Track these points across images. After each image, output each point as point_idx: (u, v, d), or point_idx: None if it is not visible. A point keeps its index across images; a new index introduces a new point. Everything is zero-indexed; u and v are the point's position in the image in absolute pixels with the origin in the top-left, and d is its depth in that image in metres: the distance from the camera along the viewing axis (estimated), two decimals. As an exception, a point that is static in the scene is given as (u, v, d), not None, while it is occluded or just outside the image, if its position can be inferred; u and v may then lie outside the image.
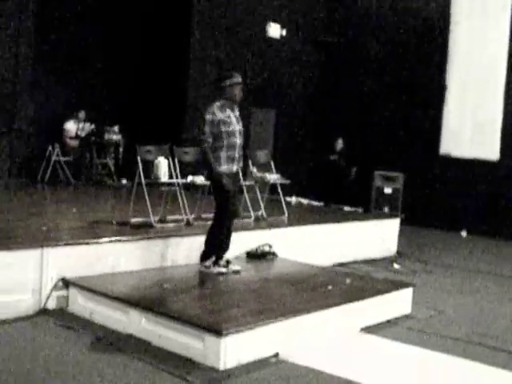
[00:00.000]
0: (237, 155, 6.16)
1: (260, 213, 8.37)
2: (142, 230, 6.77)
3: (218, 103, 6.11)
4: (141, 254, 6.31)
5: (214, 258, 6.26)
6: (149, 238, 6.50)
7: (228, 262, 6.40)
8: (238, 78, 6.13)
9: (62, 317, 5.33)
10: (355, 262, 8.90)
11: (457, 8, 13.24)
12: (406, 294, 6.49)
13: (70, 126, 11.98)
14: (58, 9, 12.11)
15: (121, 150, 12.41)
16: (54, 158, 11.78)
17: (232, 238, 6.45)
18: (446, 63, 13.36)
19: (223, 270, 6.26)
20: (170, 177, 7.43)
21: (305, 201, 11.53)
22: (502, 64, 12.71)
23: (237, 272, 6.37)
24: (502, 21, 12.69)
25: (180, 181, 7.45)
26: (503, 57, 12.69)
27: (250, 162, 8.44)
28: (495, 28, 12.79)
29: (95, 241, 6.03)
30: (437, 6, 13.51)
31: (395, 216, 10.34)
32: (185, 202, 7.40)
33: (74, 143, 11.95)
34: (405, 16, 13.91)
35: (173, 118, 12.83)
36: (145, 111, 12.88)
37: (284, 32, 13.77)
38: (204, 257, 6.27)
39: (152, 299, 5.22)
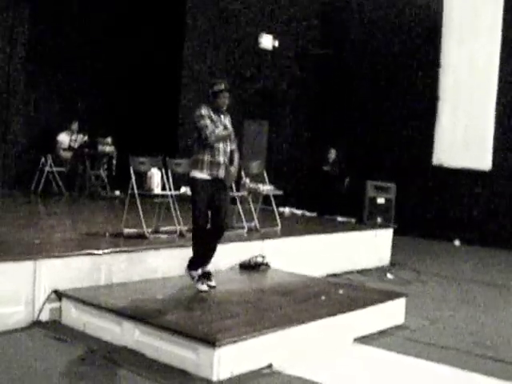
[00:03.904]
0: (221, 160, 5.91)
1: (253, 224, 8.38)
2: (135, 242, 6.76)
3: (205, 106, 5.97)
4: (134, 266, 6.30)
5: (199, 272, 6.02)
6: (142, 250, 6.50)
7: (206, 274, 6.09)
8: (222, 85, 5.94)
9: (55, 329, 5.32)
10: (348, 273, 8.92)
11: (448, 20, 13.33)
12: (400, 304, 6.51)
13: (63, 138, 11.98)
14: (50, 21, 12.15)
15: (114, 161, 12.40)
16: (47, 169, 11.78)
17: (225, 250, 6.42)
18: (439, 74, 13.43)
19: (205, 288, 5.99)
20: (163, 188, 7.44)
21: (298, 211, 11.54)
22: (494, 74, 12.78)
23: (212, 287, 6.09)
24: (493, 32, 12.78)
25: (173, 192, 7.46)
26: (495, 67, 12.76)
27: (243, 173, 8.45)
28: (487, 39, 12.88)
29: (88, 252, 6.02)
30: (429, 17, 13.59)
31: (388, 226, 10.36)
32: (178, 213, 7.41)
33: (67, 154, 11.94)
34: (397, 28, 13.99)
35: (166, 130, 12.87)
36: (138, 123, 12.91)
37: (276, 43, 13.81)
38: (190, 264, 6.07)
39: (145, 311, 5.20)
